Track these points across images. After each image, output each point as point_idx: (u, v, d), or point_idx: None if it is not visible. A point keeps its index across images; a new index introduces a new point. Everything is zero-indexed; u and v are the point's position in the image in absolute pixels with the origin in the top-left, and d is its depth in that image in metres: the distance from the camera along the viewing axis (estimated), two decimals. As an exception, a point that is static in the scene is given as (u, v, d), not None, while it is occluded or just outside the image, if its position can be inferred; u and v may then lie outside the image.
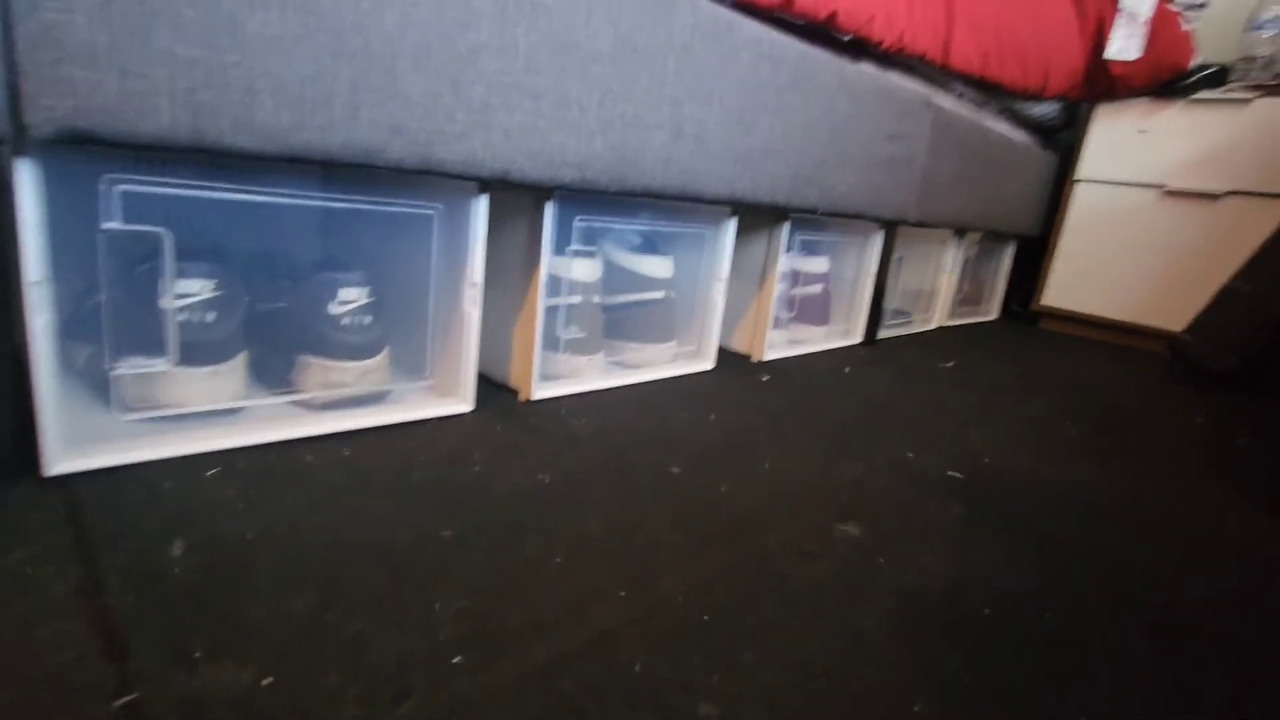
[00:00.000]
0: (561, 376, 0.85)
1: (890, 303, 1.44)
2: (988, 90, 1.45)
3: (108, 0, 0.40)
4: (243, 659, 0.34)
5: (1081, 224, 1.76)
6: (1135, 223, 1.68)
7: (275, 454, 0.57)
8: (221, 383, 0.59)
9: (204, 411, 0.59)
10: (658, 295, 0.95)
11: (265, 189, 0.57)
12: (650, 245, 0.96)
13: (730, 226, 0.96)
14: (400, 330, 0.74)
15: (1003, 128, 1.62)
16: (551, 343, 0.84)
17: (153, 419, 0.56)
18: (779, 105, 0.89)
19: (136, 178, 0.48)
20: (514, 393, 0.80)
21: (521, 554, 0.47)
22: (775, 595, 0.46)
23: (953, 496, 0.66)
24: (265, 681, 0.33)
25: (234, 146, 0.47)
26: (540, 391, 0.80)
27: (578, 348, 0.86)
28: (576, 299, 0.84)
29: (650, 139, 0.75)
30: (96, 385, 0.60)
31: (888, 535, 0.56)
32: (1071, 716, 0.38)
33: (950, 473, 0.72)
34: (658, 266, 0.95)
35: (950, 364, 1.26)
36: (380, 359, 0.68)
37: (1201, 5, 1.64)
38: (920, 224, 1.32)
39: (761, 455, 0.70)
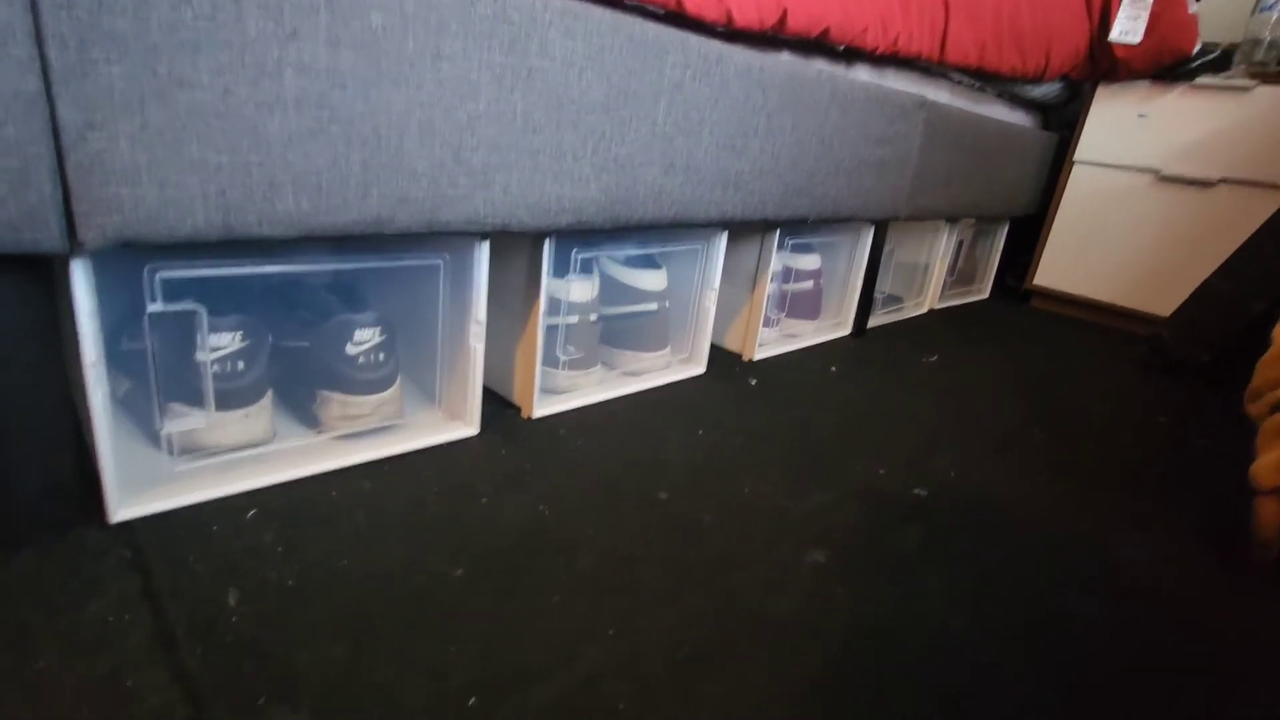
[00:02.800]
0: (561, 391, 0.91)
1: (882, 288, 1.48)
2: (985, 78, 1.45)
3: (145, 123, 0.45)
4: (296, 706, 0.42)
5: (1077, 205, 1.78)
6: (1130, 206, 1.70)
7: (303, 491, 0.64)
8: (253, 423, 0.66)
9: (239, 449, 0.65)
10: (652, 307, 1.00)
11: (285, 262, 0.62)
12: (645, 258, 1.01)
13: (721, 241, 1.00)
14: (412, 363, 0.79)
15: (1000, 112, 1.62)
16: (551, 359, 0.90)
17: (196, 465, 0.63)
18: (769, 128, 0.92)
19: (173, 264, 0.53)
20: (517, 409, 0.86)
21: (524, 594, 0.54)
22: (744, 633, 0.53)
23: (915, 520, 0.73)
24: (317, 729, 0.41)
25: (259, 235, 0.52)
26: (541, 408, 0.86)
27: (576, 365, 0.91)
28: (574, 319, 0.89)
29: (642, 176, 0.78)
30: (142, 417, 0.66)
31: (850, 564, 0.63)
32: (980, 747, 0.45)
33: (917, 490, 0.79)
34: (652, 280, 0.99)
35: (934, 359, 1.31)
36: (393, 391, 0.74)
37: (1211, -15, 1.61)
38: (912, 218, 1.36)
39: (742, 479, 0.77)
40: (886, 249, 1.39)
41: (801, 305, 1.31)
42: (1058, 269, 1.84)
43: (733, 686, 0.48)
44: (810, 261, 1.29)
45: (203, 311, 0.57)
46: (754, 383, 1.07)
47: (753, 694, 0.47)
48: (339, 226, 0.56)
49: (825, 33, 0.95)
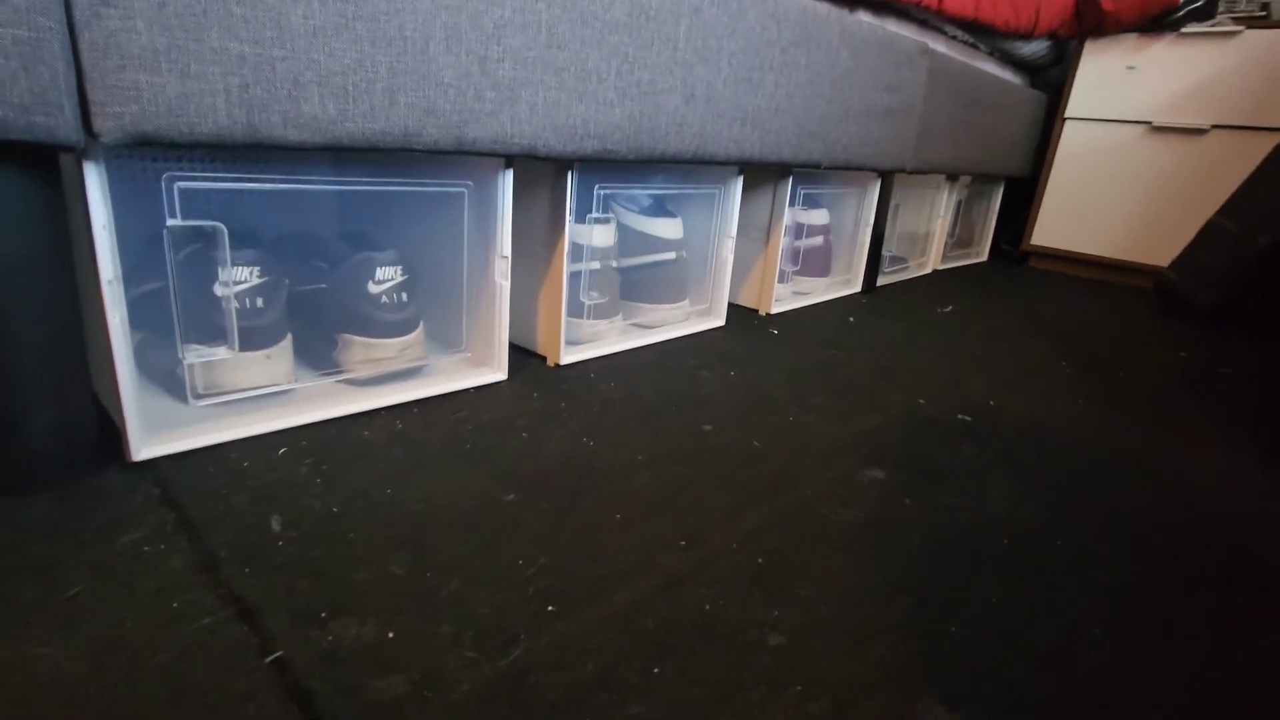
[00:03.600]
0: (584, 341, 0.88)
1: (888, 249, 1.47)
2: (979, 32, 1.46)
3: (163, 3, 0.41)
4: (362, 617, 0.38)
5: (1070, 162, 1.79)
6: (1123, 159, 1.70)
7: (334, 430, 0.60)
8: (275, 365, 0.62)
9: (261, 394, 0.61)
10: (670, 256, 0.98)
11: (309, 177, 0.59)
12: (659, 207, 0.98)
13: (737, 185, 0.98)
14: (434, 305, 0.76)
15: (993, 69, 1.62)
16: (574, 308, 0.86)
17: (217, 403, 0.59)
18: (784, 62, 0.90)
19: (192, 174, 0.49)
20: (541, 359, 0.83)
21: (583, 513, 0.51)
22: (818, 539, 0.50)
23: (964, 440, 0.71)
24: (389, 634, 0.37)
25: (285, 140, 0.49)
26: (567, 356, 0.83)
27: (599, 312, 0.88)
28: (596, 264, 0.86)
29: (664, 104, 0.76)
30: (154, 371, 0.62)
31: (909, 479, 0.61)
32: (1084, 630, 0.43)
33: (960, 415, 0.77)
34: (669, 228, 0.97)
35: (948, 309, 1.30)
36: (417, 335, 0.70)
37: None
38: (917, 171, 1.35)
39: (784, 411, 0.74)
40: (892, 204, 1.38)
41: (812, 262, 1.29)
42: (1055, 228, 1.84)
43: (817, 587, 0.45)
44: (819, 216, 1.27)
45: (223, 230, 0.53)
46: (775, 332, 1.05)
47: (838, 593, 0.44)
48: (366, 136, 0.53)
49: (833, -32, 0.94)
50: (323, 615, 0.38)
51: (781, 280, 1.22)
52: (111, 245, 0.46)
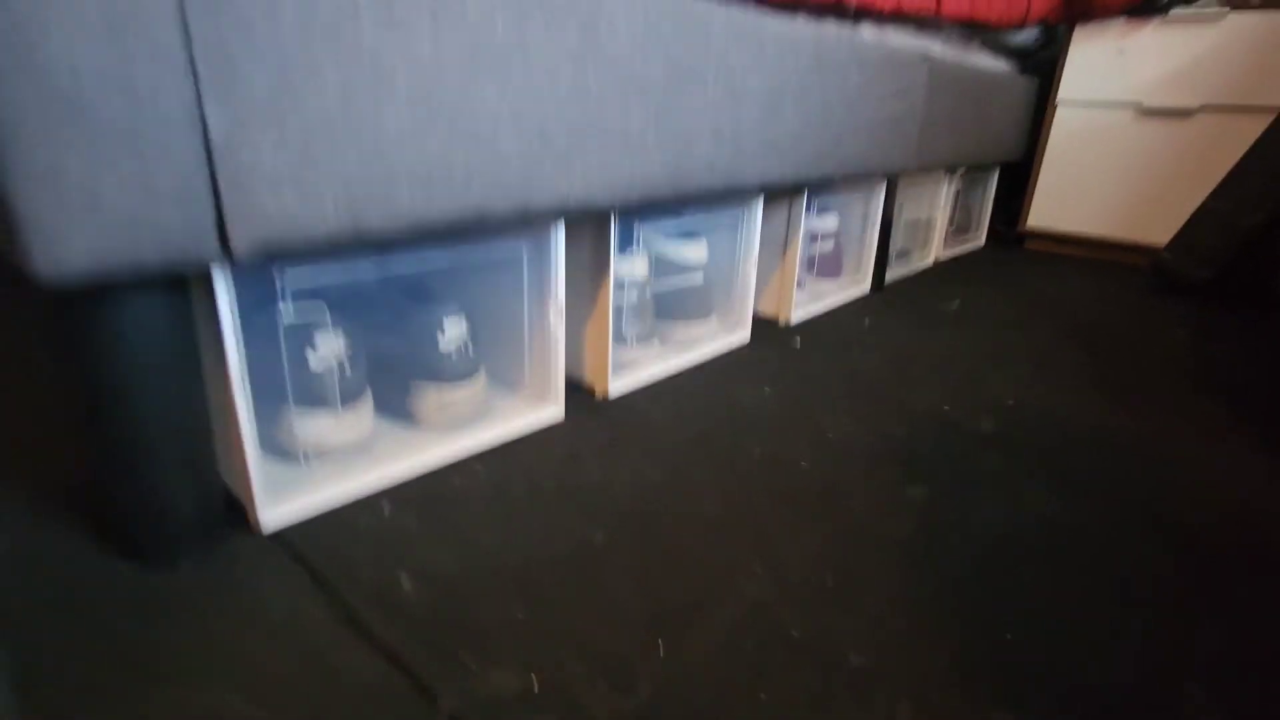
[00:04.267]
0: (624, 367, 0.94)
1: (894, 246, 1.52)
2: (974, 29, 1.50)
3: (282, 136, 0.46)
4: (505, 664, 0.44)
5: (1062, 145, 1.84)
6: (1114, 141, 1.76)
7: (429, 481, 0.66)
8: (360, 420, 0.68)
9: (356, 450, 0.67)
10: (697, 279, 1.03)
11: (399, 261, 0.64)
12: (685, 232, 1.04)
13: (758, 206, 1.03)
14: (495, 348, 0.82)
15: (986, 61, 1.66)
16: (618, 336, 0.92)
17: (323, 463, 0.65)
18: (800, 89, 0.95)
19: (303, 271, 0.55)
20: (589, 389, 0.89)
21: (662, 544, 0.57)
22: (873, 556, 0.57)
23: (991, 446, 0.77)
24: (535, 680, 0.43)
25: (382, 232, 0.54)
26: (615, 385, 0.89)
27: (639, 338, 0.94)
28: (635, 296, 0.92)
29: (696, 148, 0.81)
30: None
31: (946, 488, 0.67)
32: (1123, 621, 0.50)
33: (982, 420, 0.83)
34: (694, 251, 1.02)
35: (955, 304, 1.36)
36: (479, 379, 0.76)
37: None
38: (921, 169, 1.40)
39: (822, 424, 0.80)
40: (897, 204, 1.43)
41: (825, 265, 1.35)
42: (1049, 209, 1.90)
43: (884, 599, 0.51)
44: (830, 222, 1.33)
45: (324, 310, 0.59)
46: (798, 342, 1.11)
47: (903, 603, 0.51)
48: (448, 219, 0.58)
49: (840, -5, 0.98)
50: (472, 668, 0.44)
51: (798, 288, 1.27)
52: (238, 344, 0.51)
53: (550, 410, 0.80)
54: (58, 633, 0.46)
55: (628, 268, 0.89)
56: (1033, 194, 1.92)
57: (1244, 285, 1.39)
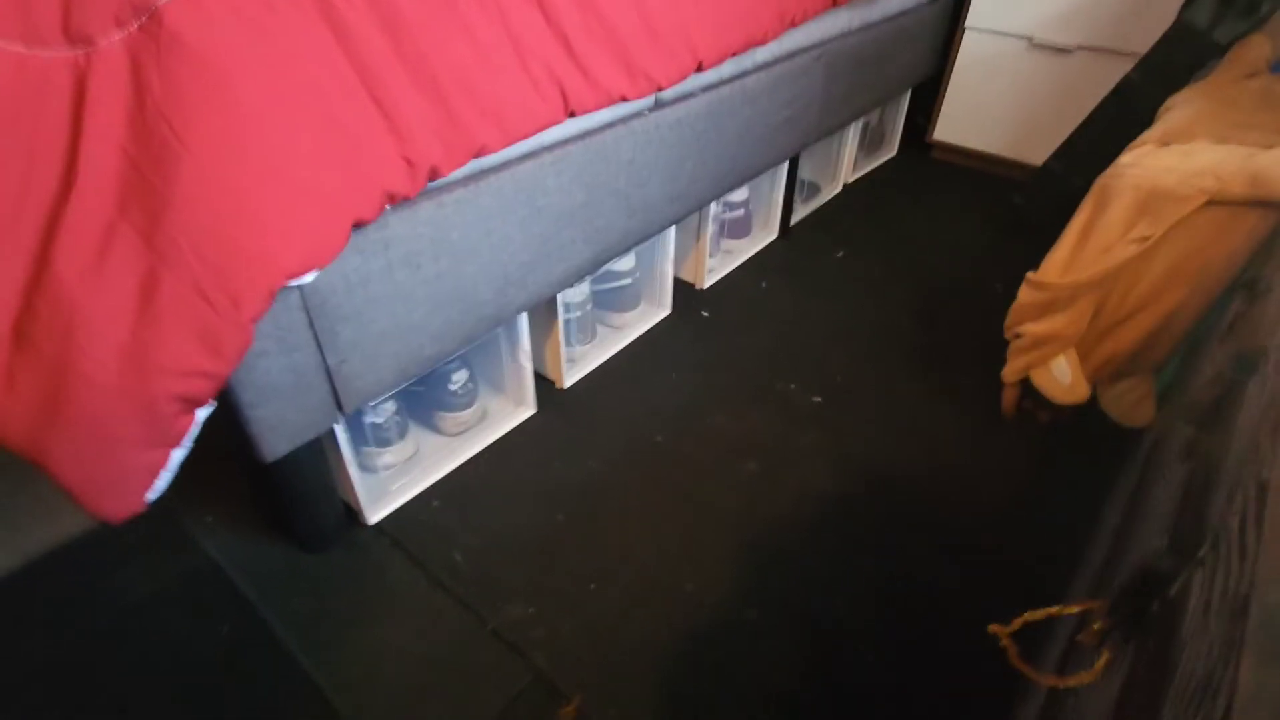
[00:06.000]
0: (576, 361, 1.32)
1: (799, 195, 1.82)
2: (879, -9, 1.65)
3: (361, 355, 0.81)
4: (527, 603, 0.91)
5: (968, 67, 2.04)
6: (1010, 69, 1.97)
7: (456, 480, 1.08)
8: (406, 447, 1.08)
9: (406, 464, 1.09)
10: (626, 281, 1.38)
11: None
12: (617, 245, 1.35)
13: (671, 231, 1.35)
14: (492, 377, 1.20)
15: (894, 4, 1.82)
16: (568, 340, 1.29)
17: (394, 477, 1.07)
18: (699, 147, 1.23)
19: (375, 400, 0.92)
20: (552, 381, 1.28)
21: (603, 522, 1.02)
22: (714, 522, 1.02)
23: (812, 423, 1.20)
24: (530, 610, 0.90)
25: (412, 374, 0.90)
26: (568, 377, 1.28)
27: (584, 340, 1.32)
28: (579, 313, 1.28)
29: (613, 227, 1.12)
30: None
31: (770, 466, 1.12)
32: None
33: (814, 399, 1.26)
34: (624, 262, 1.35)
35: (840, 254, 1.71)
36: (478, 405, 1.15)
37: None
38: (822, 138, 1.66)
39: (706, 411, 1.22)
40: (801, 158, 1.71)
41: (736, 228, 1.67)
42: (954, 124, 2.15)
43: (708, 566, 0.98)
44: (741, 193, 1.62)
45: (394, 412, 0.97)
46: (706, 314, 1.48)
47: (726, 556, 0.98)
48: (450, 352, 0.94)
49: (733, 54, 1.21)
50: (503, 603, 0.90)
51: (711, 254, 1.61)
52: (350, 447, 0.91)
53: (526, 411, 1.21)
54: (272, 594, 0.91)
55: (574, 294, 1.24)
56: (939, 109, 2.15)
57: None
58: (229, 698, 0.81)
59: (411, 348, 0.88)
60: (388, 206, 0.77)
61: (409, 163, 0.78)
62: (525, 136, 0.91)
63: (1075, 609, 0.53)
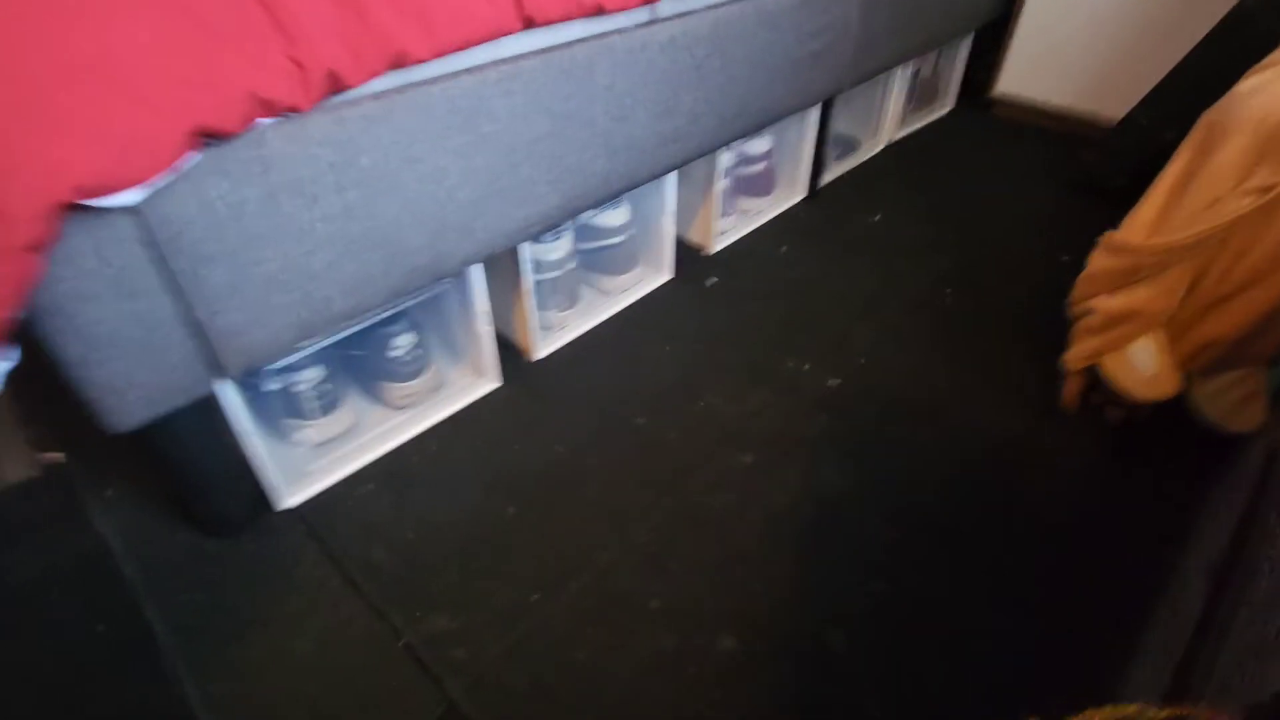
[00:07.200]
0: (552, 329, 1.15)
1: (830, 152, 1.59)
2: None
3: (243, 304, 0.66)
4: (443, 613, 0.75)
5: (1041, 4, 1.76)
6: (1090, 5, 1.69)
7: (395, 460, 0.93)
8: (337, 421, 0.93)
9: (340, 440, 0.94)
10: (619, 239, 1.19)
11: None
12: (608, 197, 1.17)
13: (671, 179, 1.15)
14: (449, 342, 1.04)
15: (958, -73, 1.56)
16: (544, 304, 1.12)
17: (317, 455, 0.92)
18: (699, 77, 1.02)
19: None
20: (522, 351, 1.11)
21: (560, 518, 0.85)
22: (695, 523, 0.85)
23: (824, 410, 1.01)
24: (455, 624, 0.74)
25: (326, 329, 0.74)
26: (542, 348, 1.11)
27: (562, 306, 1.14)
28: (556, 273, 1.10)
29: (587, 168, 0.94)
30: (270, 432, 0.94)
31: (769, 459, 0.93)
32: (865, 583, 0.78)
33: (830, 381, 1.06)
34: (615, 216, 1.17)
35: (876, 218, 1.49)
36: (430, 374, 0.99)
37: None
38: (858, 83, 1.43)
39: (700, 391, 1.04)
40: (835, 109, 1.48)
41: (755, 185, 1.46)
42: (1021, 75, 1.87)
43: (688, 561, 0.80)
44: (762, 145, 1.41)
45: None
46: (712, 282, 1.29)
47: (707, 564, 0.80)
48: (376, 302, 0.78)
49: (744, -35, 1.00)
50: (417, 614, 0.75)
51: (724, 216, 1.40)
52: (247, 415, 0.76)
53: (489, 383, 1.05)
54: (162, 587, 0.77)
55: (546, 251, 1.06)
56: (1004, 57, 1.88)
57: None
58: (82, 714, 0.68)
59: (315, 300, 0.72)
60: (264, 120, 0.61)
61: (298, 65, 0.62)
62: (463, 46, 0.73)
63: (1164, 715, 0.34)
